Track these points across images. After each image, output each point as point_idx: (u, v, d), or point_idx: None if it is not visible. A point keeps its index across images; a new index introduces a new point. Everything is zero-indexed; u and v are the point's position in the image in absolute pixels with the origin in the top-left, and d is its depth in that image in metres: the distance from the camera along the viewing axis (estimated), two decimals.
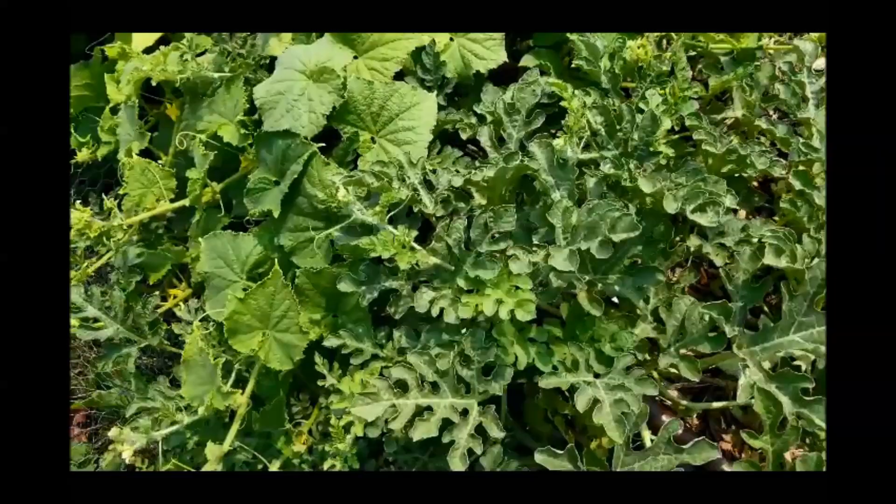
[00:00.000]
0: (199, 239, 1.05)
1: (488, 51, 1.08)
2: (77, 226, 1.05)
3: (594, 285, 0.89)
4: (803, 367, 1.12)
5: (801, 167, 1.13)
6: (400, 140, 0.98)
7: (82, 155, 1.31)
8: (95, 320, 1.09)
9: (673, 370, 0.92)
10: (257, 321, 0.93)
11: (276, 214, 0.97)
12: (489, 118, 0.97)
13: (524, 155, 0.87)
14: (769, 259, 0.94)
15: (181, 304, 1.13)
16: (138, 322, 1.10)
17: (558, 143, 0.92)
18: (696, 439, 0.90)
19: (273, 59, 1.15)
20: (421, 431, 0.78)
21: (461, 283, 0.81)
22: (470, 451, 0.79)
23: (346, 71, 0.99)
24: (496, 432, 0.80)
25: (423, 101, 0.98)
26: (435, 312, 0.82)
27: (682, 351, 0.88)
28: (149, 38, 1.25)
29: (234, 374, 0.94)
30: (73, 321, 1.10)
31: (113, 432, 1.07)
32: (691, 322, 0.87)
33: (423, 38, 1.04)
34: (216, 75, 1.13)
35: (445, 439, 0.79)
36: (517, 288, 0.78)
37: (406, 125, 0.98)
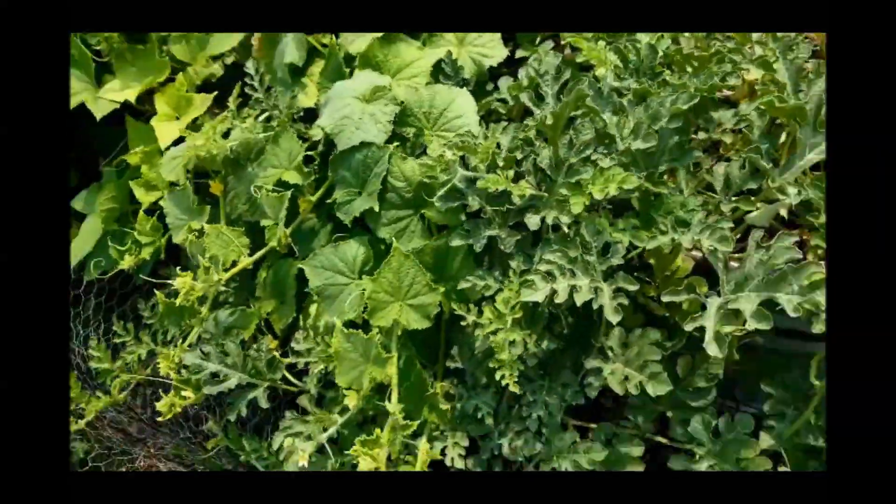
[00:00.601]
0: (301, 264, 1.13)
1: (492, 49, 1.30)
2: (183, 289, 1.09)
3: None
4: None
5: None
6: (454, 127, 1.14)
7: (127, 261, 1.34)
8: (217, 375, 1.11)
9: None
10: (390, 296, 1.02)
11: (377, 209, 1.08)
12: (525, 83, 1.17)
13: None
14: (774, 110, 1.05)
15: (296, 338, 1.18)
16: (257, 366, 1.13)
17: (600, 72, 1.13)
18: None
19: (306, 110, 1.30)
20: (580, 298, 0.91)
21: (563, 191, 0.96)
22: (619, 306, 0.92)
23: (391, 87, 1.17)
24: (631, 286, 0.94)
25: (458, 95, 1.17)
26: (549, 222, 0.95)
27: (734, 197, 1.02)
28: (172, 131, 1.35)
29: (376, 348, 1.00)
30: (196, 377, 1.11)
31: (287, 443, 1.07)
32: (733, 173, 1.03)
33: (439, 53, 1.25)
34: (262, 136, 1.26)
35: (595, 305, 0.92)
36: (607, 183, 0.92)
37: (454, 115, 1.15)
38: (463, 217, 1.09)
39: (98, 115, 1.35)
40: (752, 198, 1.03)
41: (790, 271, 0.86)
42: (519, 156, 1.04)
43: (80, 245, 1.43)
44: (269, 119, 1.30)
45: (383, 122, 1.10)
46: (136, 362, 1.37)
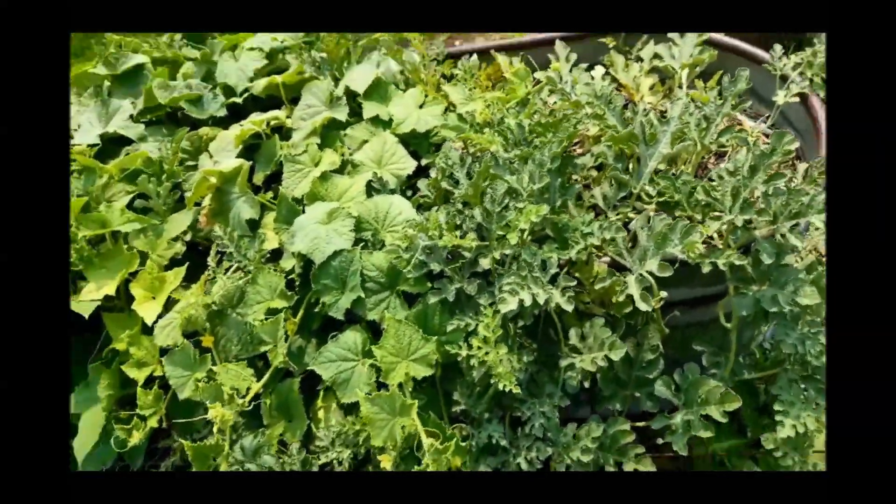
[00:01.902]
0: (311, 366, 1.32)
1: (405, 164, 1.63)
2: (218, 419, 1.23)
3: None
4: None
5: None
6: (399, 222, 1.38)
7: (135, 437, 1.44)
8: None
9: None
10: (396, 357, 1.24)
11: (364, 296, 1.32)
12: (440, 175, 1.52)
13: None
14: (615, 140, 1.34)
15: (319, 437, 1.32)
16: (293, 470, 1.27)
17: (493, 149, 1.50)
18: None
19: (272, 251, 1.55)
20: (541, 299, 1.18)
21: (499, 232, 1.27)
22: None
23: (343, 208, 1.47)
24: (570, 283, 1.23)
25: (394, 199, 1.42)
26: (496, 257, 1.25)
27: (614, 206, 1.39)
28: (155, 309, 1.53)
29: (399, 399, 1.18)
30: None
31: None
32: (607, 191, 1.41)
33: (366, 176, 1.58)
34: (241, 281, 1.48)
35: (552, 304, 1.20)
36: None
37: (396, 213, 1.37)
38: (429, 284, 1.37)
39: (86, 315, 1.51)
40: (626, 206, 1.42)
41: (668, 231, 1.21)
42: (458, 221, 1.36)
43: (86, 439, 1.52)
44: (243, 268, 1.53)
45: (346, 232, 1.39)
46: None
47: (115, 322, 1.59)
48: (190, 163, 1.92)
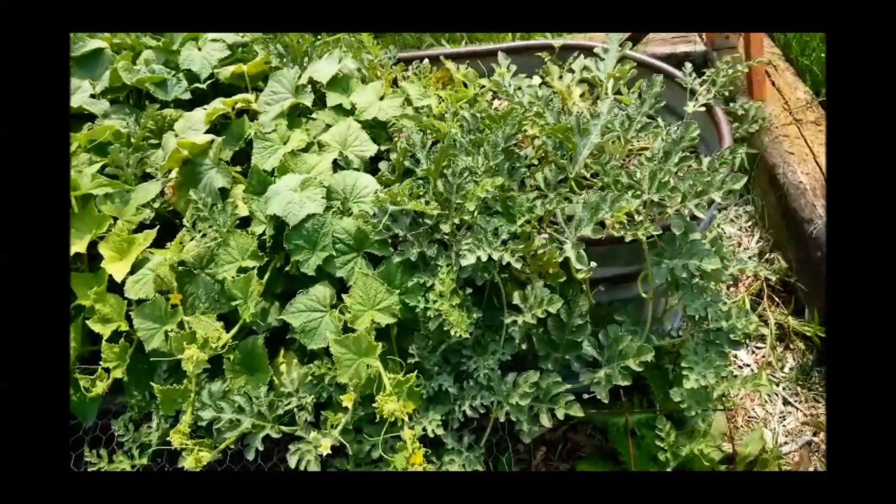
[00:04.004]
0: (281, 315, 1.45)
1: (367, 147, 1.80)
2: (192, 359, 1.34)
3: None
4: None
5: None
6: (365, 194, 1.54)
7: (99, 388, 1.50)
8: (233, 421, 1.33)
9: None
10: (362, 306, 1.39)
11: (335, 256, 1.47)
12: (401, 155, 1.70)
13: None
14: (554, 131, 1.67)
15: (283, 383, 1.44)
16: (260, 411, 1.38)
17: (452, 133, 1.70)
18: None
19: (241, 219, 1.67)
20: (496, 256, 1.37)
21: (458, 201, 1.46)
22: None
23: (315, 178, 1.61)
24: (519, 246, 1.40)
25: (360, 175, 1.56)
26: (456, 222, 1.43)
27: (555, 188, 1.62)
28: (124, 268, 1.61)
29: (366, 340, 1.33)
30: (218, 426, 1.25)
31: (312, 436, 1.30)
32: (548, 175, 1.67)
33: (332, 155, 1.73)
34: (213, 243, 1.58)
35: (505, 261, 1.39)
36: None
37: (362, 186, 1.54)
38: (391, 249, 1.54)
39: None
40: (564, 187, 1.65)
41: (600, 200, 1.43)
42: (421, 192, 1.54)
43: None
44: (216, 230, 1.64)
45: (318, 199, 1.54)
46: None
47: (82, 281, 1.66)
48: (153, 141, 2.02)
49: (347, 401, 1.36)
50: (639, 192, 1.47)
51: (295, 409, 1.46)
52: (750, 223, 2.92)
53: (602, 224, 1.45)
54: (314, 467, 1.32)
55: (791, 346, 2.45)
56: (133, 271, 1.63)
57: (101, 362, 1.58)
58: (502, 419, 1.50)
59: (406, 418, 1.24)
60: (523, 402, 1.47)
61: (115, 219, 1.73)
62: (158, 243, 1.67)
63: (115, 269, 1.61)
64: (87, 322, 1.61)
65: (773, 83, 3.20)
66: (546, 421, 1.48)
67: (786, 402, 2.32)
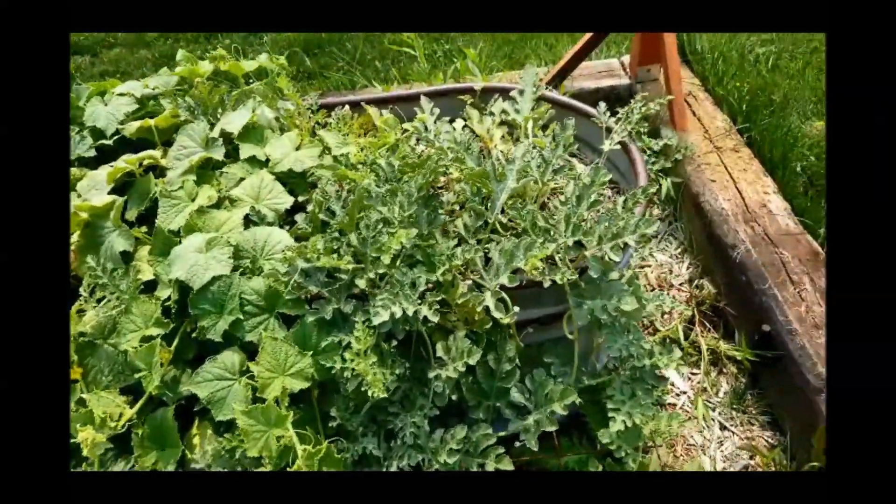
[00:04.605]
0: (187, 386, 1.36)
1: (282, 199, 1.75)
2: (87, 442, 1.24)
3: None
4: None
5: None
6: (277, 251, 1.51)
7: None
8: None
9: None
10: (272, 372, 1.32)
11: (242, 319, 1.40)
12: (317, 207, 1.65)
13: None
14: (472, 178, 1.64)
15: (194, 459, 1.35)
16: None
17: (365, 183, 1.65)
18: None
19: (146, 283, 1.59)
20: (410, 311, 1.34)
21: (373, 254, 1.42)
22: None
23: (222, 237, 1.55)
24: (437, 298, 1.39)
25: (272, 230, 1.50)
26: (371, 276, 1.41)
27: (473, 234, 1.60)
28: None
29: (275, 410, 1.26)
30: None
31: None
32: (467, 221, 1.64)
33: (244, 210, 1.67)
34: (114, 312, 1.48)
35: (420, 315, 1.36)
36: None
37: (275, 242, 1.48)
38: (306, 307, 1.49)
39: None
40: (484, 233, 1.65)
41: (514, 248, 1.42)
42: (335, 247, 1.50)
43: None
44: (116, 298, 1.56)
45: (224, 259, 1.48)
46: None
47: None
48: None
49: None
50: (555, 236, 1.47)
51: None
52: (679, 250, 2.99)
53: (518, 270, 1.44)
54: None
55: (724, 371, 2.49)
56: None
57: None
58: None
59: None
60: (451, 459, 1.43)
61: None
62: None
63: None
64: None
65: (694, 113, 3.32)
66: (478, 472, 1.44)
67: (722, 427, 2.35)
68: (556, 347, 1.72)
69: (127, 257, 1.64)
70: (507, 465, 1.44)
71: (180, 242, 1.56)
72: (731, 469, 2.19)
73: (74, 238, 1.75)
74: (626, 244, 1.42)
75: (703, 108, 3.37)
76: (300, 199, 1.79)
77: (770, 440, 2.27)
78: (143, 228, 1.72)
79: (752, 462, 2.23)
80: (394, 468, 1.46)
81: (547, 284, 1.43)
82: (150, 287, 1.59)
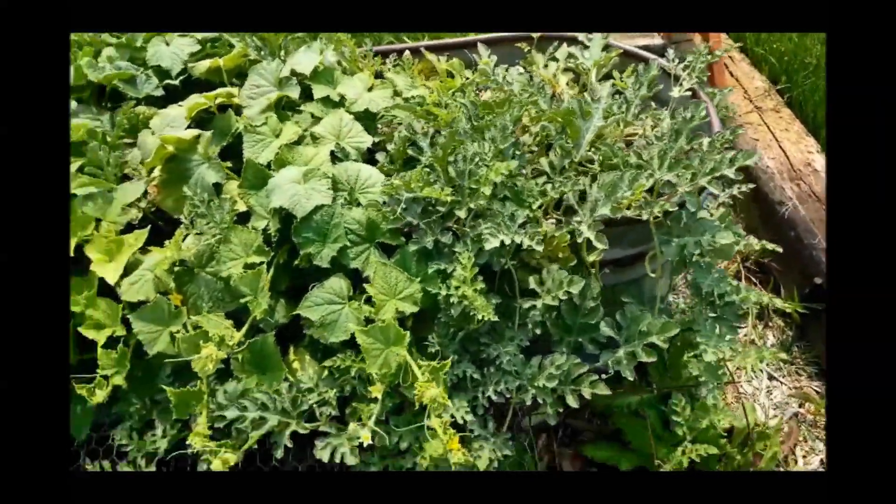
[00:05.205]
0: (297, 311, 1.41)
1: (362, 138, 1.79)
2: (208, 359, 1.28)
3: None
4: None
5: None
6: (370, 184, 1.56)
7: (98, 396, 1.42)
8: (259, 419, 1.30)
9: None
10: (385, 296, 1.38)
11: (348, 247, 1.44)
12: (400, 143, 1.69)
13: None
14: (553, 117, 1.68)
15: (301, 380, 1.41)
16: (284, 408, 1.34)
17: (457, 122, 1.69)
18: None
19: (241, 214, 1.62)
20: (518, 239, 1.42)
21: (472, 186, 1.46)
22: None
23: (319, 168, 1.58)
24: (538, 229, 1.46)
25: (362, 166, 1.56)
26: (473, 208, 1.45)
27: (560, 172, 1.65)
28: (116, 270, 1.53)
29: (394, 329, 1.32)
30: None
31: (351, 427, 1.28)
32: (553, 160, 1.68)
33: (329, 147, 1.70)
34: (213, 240, 1.52)
35: (525, 245, 1.42)
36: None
37: (366, 177, 1.55)
38: (403, 238, 1.54)
39: None
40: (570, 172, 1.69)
41: (618, 180, 1.47)
42: (431, 179, 1.54)
43: None
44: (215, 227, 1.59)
45: (324, 190, 1.52)
46: None
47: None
48: (127, 140, 1.94)
49: (376, 392, 1.34)
50: (650, 172, 1.52)
51: (315, 406, 1.43)
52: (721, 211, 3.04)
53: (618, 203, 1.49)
54: (351, 460, 1.30)
55: (770, 324, 2.57)
56: (125, 273, 1.56)
57: (98, 370, 1.50)
58: (528, 402, 1.51)
59: (444, 404, 1.24)
60: (550, 384, 1.49)
61: (99, 220, 1.65)
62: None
63: (106, 271, 1.54)
64: (78, 329, 1.53)
65: (731, 73, 3.36)
66: (573, 402, 1.50)
67: (771, 378, 2.43)
68: (630, 289, 1.78)
69: (217, 190, 1.67)
70: (603, 390, 1.50)
71: (271, 176, 1.59)
72: (783, 415, 2.27)
73: (156, 172, 1.77)
74: (722, 177, 1.47)
75: (740, 69, 3.41)
76: (375, 140, 1.82)
77: (818, 389, 2.36)
78: (228, 163, 1.75)
79: (801, 410, 2.32)
80: (490, 393, 1.52)
81: (646, 217, 1.48)
82: (241, 219, 1.63)
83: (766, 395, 2.37)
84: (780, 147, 2.87)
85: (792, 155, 2.82)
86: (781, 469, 2.16)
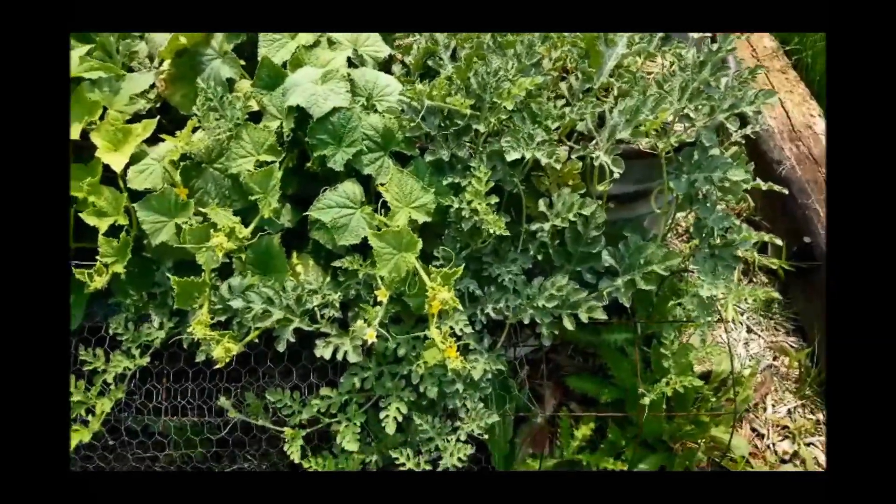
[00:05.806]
0: (309, 212, 1.41)
1: (379, 47, 1.76)
2: (219, 248, 1.28)
3: None
4: None
5: None
6: (388, 92, 1.52)
7: (98, 282, 1.42)
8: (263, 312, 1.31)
9: None
10: (398, 202, 1.39)
11: (364, 152, 1.44)
12: (421, 55, 1.67)
13: None
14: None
15: (307, 281, 1.42)
16: (288, 304, 1.35)
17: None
18: None
19: (251, 113, 1.60)
20: (538, 155, 1.43)
21: (494, 99, 1.46)
22: None
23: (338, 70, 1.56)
24: (552, 147, 1.47)
25: (380, 73, 1.55)
26: (492, 121, 1.45)
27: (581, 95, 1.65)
28: (122, 158, 1.51)
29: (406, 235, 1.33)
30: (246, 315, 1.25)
31: (358, 324, 1.31)
32: (573, 84, 1.66)
33: (346, 52, 1.67)
34: (226, 135, 1.50)
35: (543, 161, 1.44)
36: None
37: (384, 85, 1.53)
38: (417, 150, 1.53)
39: None
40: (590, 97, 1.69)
41: (640, 104, 1.48)
42: (452, 90, 1.52)
43: None
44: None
45: (343, 93, 1.50)
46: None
47: (72, 172, 1.54)
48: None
49: (382, 295, 1.36)
50: (669, 103, 1.52)
51: (317, 308, 1.45)
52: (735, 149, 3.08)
53: (620, 141, 1.50)
54: (353, 357, 1.32)
55: (754, 280, 2.64)
56: (131, 163, 1.54)
57: (98, 257, 1.50)
58: (526, 321, 1.54)
59: (455, 307, 1.26)
60: (549, 304, 1.52)
61: (105, 110, 1.62)
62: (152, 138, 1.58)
63: (112, 159, 1.51)
64: (80, 215, 1.51)
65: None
66: (569, 324, 1.54)
67: (749, 331, 2.51)
68: (631, 225, 1.80)
69: (230, 86, 1.64)
70: (600, 315, 1.53)
71: (287, 75, 1.56)
72: (758, 366, 2.36)
73: (165, 66, 1.73)
74: (741, 114, 1.48)
75: None
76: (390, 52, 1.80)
77: (794, 345, 2.45)
78: (241, 62, 1.71)
79: (775, 363, 2.41)
80: (489, 310, 1.54)
81: (662, 147, 1.49)
82: (252, 119, 1.60)
83: (744, 347, 2.45)
84: (783, 107, 2.89)
85: (794, 116, 2.84)
86: (751, 414, 2.26)
